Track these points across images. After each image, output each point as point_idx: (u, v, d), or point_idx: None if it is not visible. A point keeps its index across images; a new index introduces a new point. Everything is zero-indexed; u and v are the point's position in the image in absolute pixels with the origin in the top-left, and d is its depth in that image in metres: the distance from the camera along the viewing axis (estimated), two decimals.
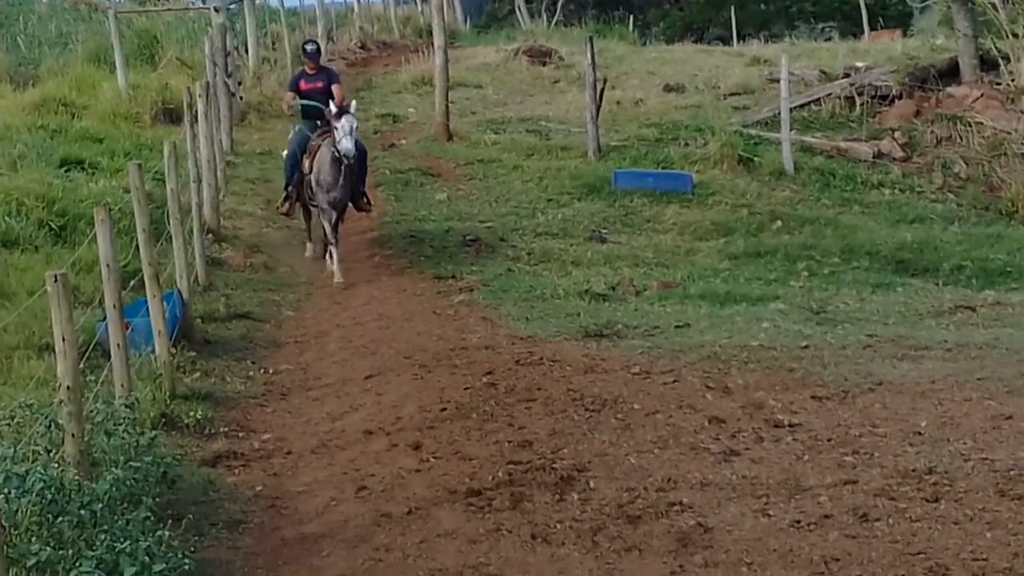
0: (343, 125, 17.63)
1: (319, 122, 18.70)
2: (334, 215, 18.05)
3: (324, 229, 18.26)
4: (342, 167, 17.86)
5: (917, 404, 11.58)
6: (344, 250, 17.76)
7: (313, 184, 18.17)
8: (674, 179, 23.36)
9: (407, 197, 22.24)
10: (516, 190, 22.92)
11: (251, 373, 13.58)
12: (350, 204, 18.64)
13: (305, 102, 19.00)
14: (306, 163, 18.56)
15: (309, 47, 19.90)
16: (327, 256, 18.41)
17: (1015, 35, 29.00)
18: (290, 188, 19.00)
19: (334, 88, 19.07)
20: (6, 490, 7.32)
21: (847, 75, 30.79)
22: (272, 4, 42.51)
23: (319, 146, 18.33)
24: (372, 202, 19.56)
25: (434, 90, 27.91)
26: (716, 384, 12.36)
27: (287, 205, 19.31)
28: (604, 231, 20.47)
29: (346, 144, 17.54)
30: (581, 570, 8.49)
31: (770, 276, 18.37)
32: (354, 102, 18.62)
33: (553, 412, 11.65)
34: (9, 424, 9.27)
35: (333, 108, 18.00)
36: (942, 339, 14.21)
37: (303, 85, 19.21)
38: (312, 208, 18.81)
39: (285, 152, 19.61)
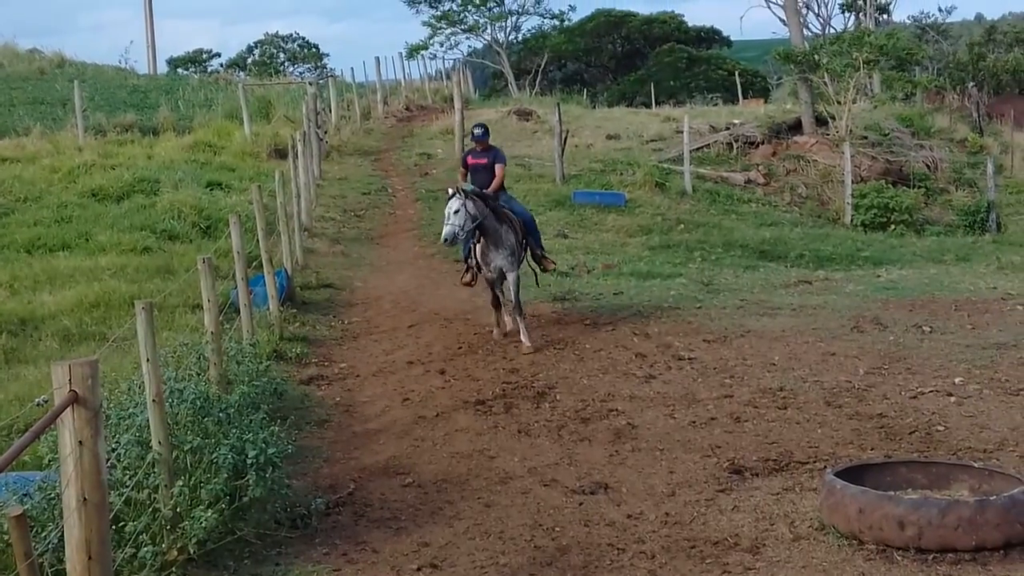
0: (447, 208, 11.99)
1: None
2: (496, 282, 12.49)
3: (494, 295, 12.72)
4: (489, 239, 12.21)
5: (772, 345, 11.59)
6: (396, 242, 17.58)
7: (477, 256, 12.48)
8: (613, 197, 23.30)
9: (436, 208, 22.11)
10: None
11: (332, 323, 13.55)
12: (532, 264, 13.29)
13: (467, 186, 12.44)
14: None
15: (477, 131, 13.15)
16: (509, 321, 12.60)
17: (838, 103, 29.03)
18: (468, 260, 12.85)
19: (497, 167, 12.79)
20: (171, 400, 7.31)
21: (727, 128, 30.76)
22: (347, 79, 42.33)
23: None
24: (553, 261, 13.71)
25: (454, 137, 27.83)
26: (640, 331, 12.35)
27: (469, 276, 12.97)
28: (566, 230, 20.42)
29: (444, 230, 11.96)
30: (551, 453, 8.51)
31: (676, 261, 18.33)
32: (468, 185, 12.48)
33: (533, 350, 11.64)
34: (172, 356, 9.26)
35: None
36: (789, 302, 14.21)
37: (470, 160, 13.06)
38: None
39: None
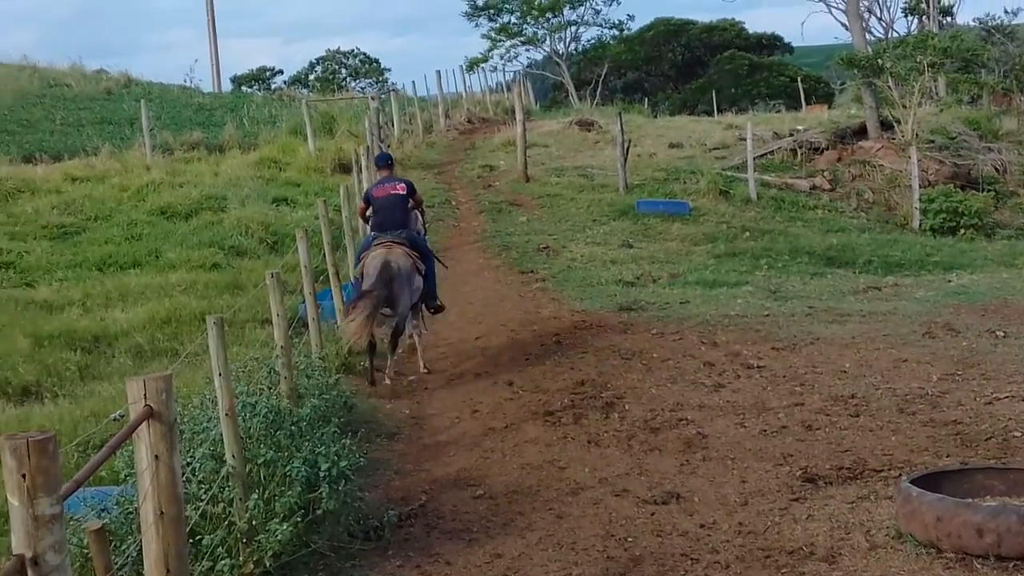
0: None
1: None
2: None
3: None
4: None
5: (843, 352, 11.46)
6: (460, 255, 17.62)
7: None
8: (677, 205, 23.23)
9: (499, 219, 22.22)
10: (572, 214, 22.85)
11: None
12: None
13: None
14: None
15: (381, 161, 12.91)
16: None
17: (903, 106, 28.71)
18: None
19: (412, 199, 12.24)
20: (243, 414, 7.36)
21: (791, 135, 30.57)
22: (409, 94, 42.56)
23: None
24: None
25: (516, 149, 27.84)
26: (708, 340, 12.28)
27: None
28: (631, 240, 20.37)
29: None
30: (621, 463, 8.46)
31: (742, 269, 18.21)
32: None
33: (600, 360, 11.61)
34: (243, 371, 9.33)
35: None
36: (859, 309, 14.05)
37: (376, 192, 12.18)
38: None
39: None
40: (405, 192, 12.08)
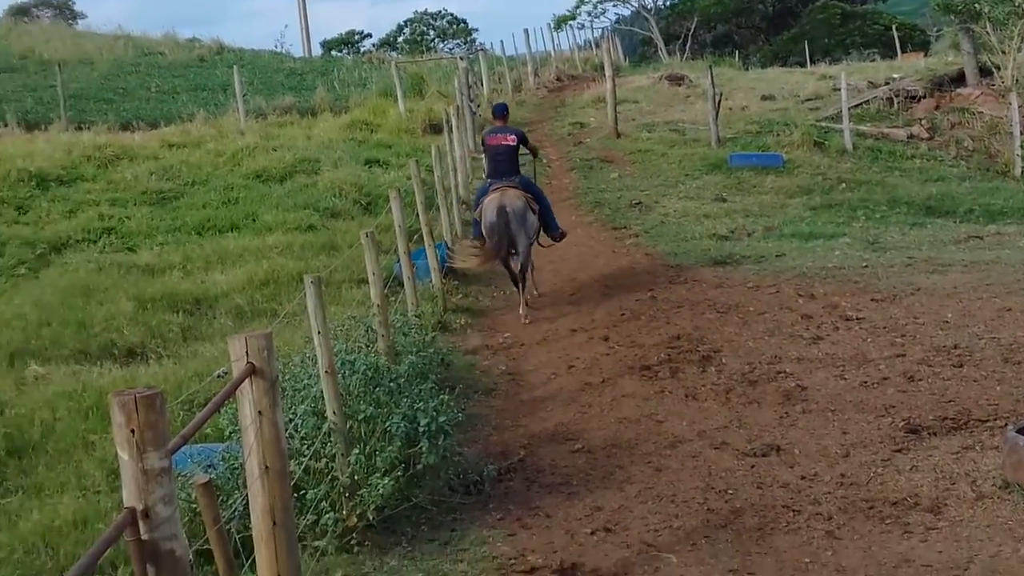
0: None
1: None
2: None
3: None
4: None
5: (945, 302, 11.26)
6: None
7: None
8: (770, 158, 22.93)
9: (591, 176, 22.12)
10: (664, 169, 22.68)
11: (494, 294, 13.63)
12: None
13: None
14: None
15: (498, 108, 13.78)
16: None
17: (1003, 52, 27.99)
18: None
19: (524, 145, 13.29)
20: (342, 371, 7.44)
21: (887, 83, 30.00)
22: (497, 53, 42.49)
23: None
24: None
25: (606, 105, 27.70)
26: (805, 292, 12.13)
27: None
28: (724, 194, 20.16)
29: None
30: (719, 417, 8.41)
31: (839, 220, 17.92)
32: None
33: (695, 314, 11.54)
34: (341, 329, 9.42)
35: None
36: (960, 259, 13.79)
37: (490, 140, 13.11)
38: None
39: None
40: (515, 143, 12.97)
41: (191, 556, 4.00)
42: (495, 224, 12.38)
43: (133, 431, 3.64)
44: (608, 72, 28.09)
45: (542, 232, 13.21)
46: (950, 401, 8.25)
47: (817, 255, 14.55)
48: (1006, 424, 7.36)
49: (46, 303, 12.67)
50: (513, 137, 13.00)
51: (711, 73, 26.24)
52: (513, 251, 12.60)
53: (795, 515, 6.48)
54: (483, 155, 13.61)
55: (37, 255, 15.51)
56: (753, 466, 7.32)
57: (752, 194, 20.36)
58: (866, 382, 8.89)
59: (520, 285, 12.74)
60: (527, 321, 12.21)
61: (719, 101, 25.43)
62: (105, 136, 23.82)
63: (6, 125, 26.77)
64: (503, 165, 12.86)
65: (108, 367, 10.41)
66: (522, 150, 13.15)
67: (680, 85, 34.29)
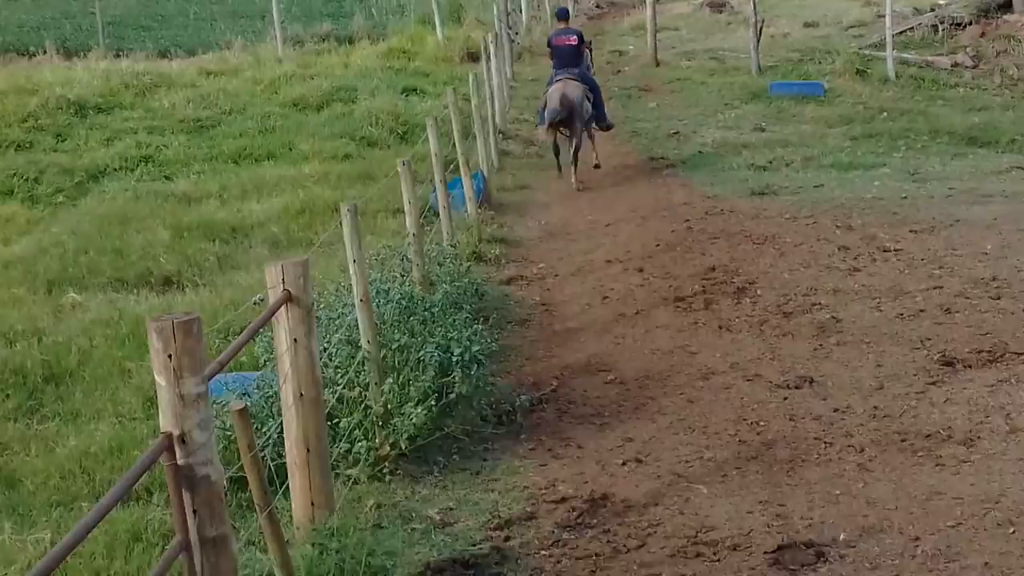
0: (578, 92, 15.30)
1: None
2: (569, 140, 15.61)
3: None
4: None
5: (984, 234, 11.18)
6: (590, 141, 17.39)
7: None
8: (811, 87, 22.66)
9: (630, 105, 21.95)
10: (703, 98, 22.48)
11: (529, 224, 13.62)
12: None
13: None
14: None
15: (561, 11, 17.20)
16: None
17: None
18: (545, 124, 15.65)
19: (583, 48, 16.09)
20: (377, 300, 7.48)
21: (932, 10, 29.51)
22: None
23: None
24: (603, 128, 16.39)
25: (646, 33, 27.44)
26: (842, 224, 12.06)
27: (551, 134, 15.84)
28: (763, 123, 19.98)
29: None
30: (752, 349, 8.42)
31: (879, 150, 17.70)
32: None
33: (731, 245, 11.48)
34: (376, 259, 9.46)
35: None
36: (1001, 190, 13.68)
37: (555, 41, 16.04)
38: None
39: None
40: (577, 42, 15.91)
41: (226, 482, 4.07)
42: (557, 110, 14.96)
43: (170, 356, 3.70)
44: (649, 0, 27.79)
45: (593, 123, 15.85)
46: (986, 334, 8.21)
47: (856, 186, 14.43)
48: None
49: (83, 231, 12.80)
50: (575, 37, 15.96)
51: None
52: (567, 132, 15.37)
53: (826, 447, 6.50)
54: (549, 53, 16.29)
55: (75, 183, 15.64)
56: (785, 398, 7.34)
57: (792, 124, 20.15)
58: (902, 314, 8.86)
59: (573, 163, 15.31)
60: (580, 188, 15.12)
61: (761, 28, 25.10)
62: (143, 64, 23.83)
63: (45, 52, 26.83)
64: (567, 59, 15.70)
65: (145, 295, 10.52)
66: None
67: (721, 11, 33.88)
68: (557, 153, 15.96)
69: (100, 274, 11.24)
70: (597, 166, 15.87)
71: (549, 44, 16.48)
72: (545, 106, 15.46)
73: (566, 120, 15.08)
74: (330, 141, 17.47)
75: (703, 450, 6.62)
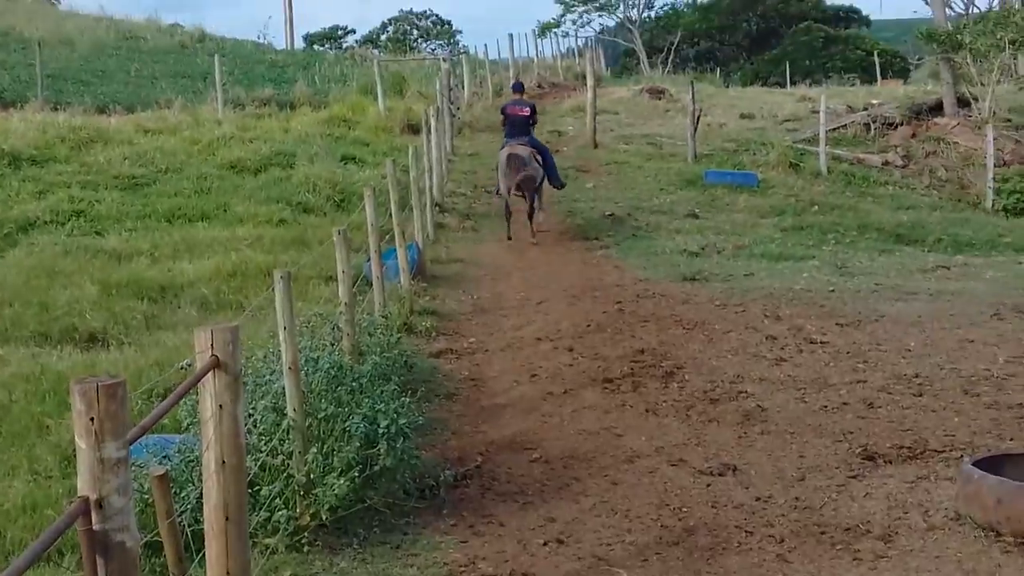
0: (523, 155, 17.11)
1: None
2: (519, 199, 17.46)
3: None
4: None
5: (908, 331, 11.36)
6: (525, 218, 17.51)
7: None
8: (745, 177, 23.06)
9: (567, 185, 22.14)
10: (639, 182, 22.77)
11: (462, 297, 13.65)
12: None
13: None
14: None
15: (516, 85, 19.77)
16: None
17: (982, 84, 28.26)
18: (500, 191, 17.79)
19: (533, 116, 18.12)
20: (306, 368, 7.43)
21: (865, 109, 30.19)
22: (480, 56, 42.55)
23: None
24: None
25: (586, 115, 27.80)
26: (771, 313, 12.21)
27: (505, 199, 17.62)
28: (697, 211, 20.25)
29: (530, 172, 17.09)
30: (678, 433, 8.45)
31: (809, 243, 18.03)
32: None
33: (661, 329, 11.58)
34: (306, 327, 9.41)
35: None
36: (926, 288, 13.92)
37: (510, 111, 17.99)
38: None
39: None
40: (529, 113, 17.81)
41: (140, 547, 4.00)
42: (506, 169, 16.79)
43: (93, 419, 3.63)
44: (590, 82, 28.20)
45: (547, 181, 17.55)
46: (907, 430, 8.32)
47: (785, 276, 14.64)
48: (962, 456, 7.44)
49: (9, 283, 12.61)
50: (528, 109, 17.90)
51: (692, 88, 26.39)
52: (518, 190, 16.98)
53: (747, 536, 6.52)
54: (502, 120, 18.15)
55: (4, 234, 15.45)
56: (709, 485, 7.37)
57: (725, 212, 20.47)
58: (826, 406, 8.96)
59: (530, 219, 17.02)
60: (535, 241, 16.94)
61: (698, 117, 25.56)
62: (81, 118, 23.70)
63: None
64: (519, 128, 17.50)
65: (68, 351, 10.35)
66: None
67: (660, 99, 34.43)
68: (508, 217, 17.16)
69: (23, 327, 11.06)
70: (535, 243, 16.92)
71: (503, 112, 18.28)
72: (496, 168, 17.48)
73: (520, 183, 16.79)
74: (266, 205, 17.44)
75: (625, 533, 6.61)
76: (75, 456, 3.74)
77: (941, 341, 10.92)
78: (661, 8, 65.47)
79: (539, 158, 17.40)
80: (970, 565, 6.00)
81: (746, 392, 9.36)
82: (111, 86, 32.44)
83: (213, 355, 5.17)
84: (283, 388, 6.79)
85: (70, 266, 13.47)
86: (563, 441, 8.36)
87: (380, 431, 6.93)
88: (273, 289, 6.77)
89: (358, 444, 6.79)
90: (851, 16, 65.75)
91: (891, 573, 5.98)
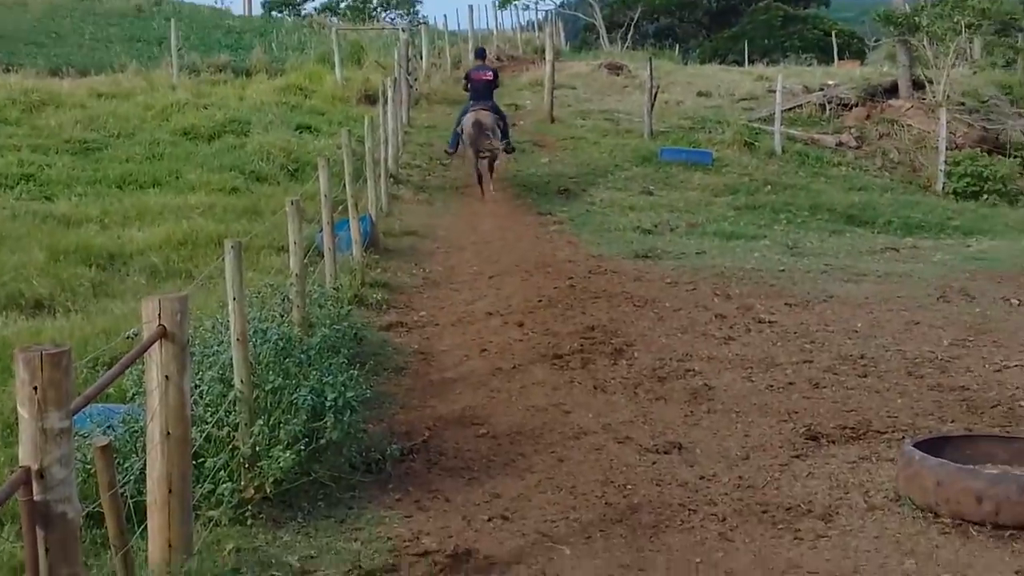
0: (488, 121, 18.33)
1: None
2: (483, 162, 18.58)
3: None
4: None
5: (856, 312, 11.48)
6: (480, 192, 17.54)
7: None
8: (700, 155, 23.13)
9: (521, 160, 22.14)
10: (595, 158, 22.80)
11: (414, 271, 13.64)
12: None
13: None
14: None
15: (480, 51, 21.53)
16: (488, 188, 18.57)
17: (937, 67, 28.43)
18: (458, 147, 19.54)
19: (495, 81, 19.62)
20: (254, 340, 7.40)
21: (821, 89, 30.33)
22: (439, 27, 42.34)
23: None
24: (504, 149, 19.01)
25: (543, 89, 27.77)
26: (721, 292, 12.29)
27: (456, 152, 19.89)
28: (652, 188, 20.32)
29: (497, 143, 18.47)
30: (625, 411, 8.50)
31: (761, 222, 18.17)
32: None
33: (612, 306, 11.63)
34: (256, 297, 9.36)
35: None
36: (875, 269, 14.06)
37: (474, 76, 19.27)
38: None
39: None
40: (492, 78, 19.18)
41: (81, 518, 3.98)
42: (472, 133, 17.93)
43: (36, 388, 3.62)
44: (548, 56, 28.16)
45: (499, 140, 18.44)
46: (851, 411, 8.42)
47: (737, 255, 14.74)
48: (903, 437, 7.54)
49: None
50: (491, 74, 19.31)
51: (650, 65, 26.42)
52: (482, 154, 18.15)
53: (690, 514, 6.58)
54: (465, 85, 19.50)
55: None
56: (654, 463, 7.42)
57: (679, 189, 20.55)
58: (772, 386, 9.04)
59: (487, 177, 18.27)
60: (488, 199, 18.10)
61: (655, 94, 25.60)
62: (33, 80, 23.43)
63: None
64: (482, 92, 18.77)
65: (13, 318, 10.25)
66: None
67: (619, 74, 34.44)
68: (480, 179, 18.36)
69: None
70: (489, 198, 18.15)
71: (467, 78, 19.55)
72: (461, 131, 18.39)
73: (480, 143, 17.97)
74: (219, 173, 17.31)
75: (569, 510, 6.65)
76: (17, 425, 3.72)
77: (888, 323, 11.04)
78: None
79: (501, 124, 18.64)
80: (909, 546, 6.09)
81: (694, 370, 9.43)
82: (65, 48, 32.07)
83: (160, 325, 5.16)
84: (231, 359, 6.75)
85: (18, 230, 13.33)
86: (511, 417, 8.39)
87: (327, 404, 6.93)
88: (223, 259, 6.72)
89: (305, 417, 6.78)
90: None
91: (831, 552, 6.06)
